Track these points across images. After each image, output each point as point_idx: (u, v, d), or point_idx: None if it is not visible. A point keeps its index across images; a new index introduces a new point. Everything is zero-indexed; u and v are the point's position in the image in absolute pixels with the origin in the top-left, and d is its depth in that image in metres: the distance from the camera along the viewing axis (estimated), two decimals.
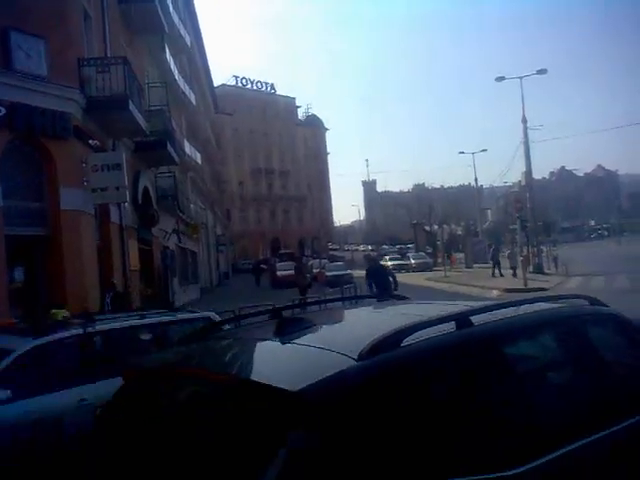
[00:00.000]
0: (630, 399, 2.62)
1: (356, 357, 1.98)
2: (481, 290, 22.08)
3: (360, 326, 2.92)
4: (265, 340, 2.58)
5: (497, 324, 2.49)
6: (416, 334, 2.14)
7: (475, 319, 2.39)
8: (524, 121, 30.05)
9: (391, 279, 13.63)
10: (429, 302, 3.81)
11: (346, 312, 3.61)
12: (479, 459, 2.00)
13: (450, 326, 2.28)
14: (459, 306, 2.91)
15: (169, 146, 18.34)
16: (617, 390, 2.64)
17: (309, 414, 1.79)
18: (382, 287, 13.00)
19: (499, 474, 1.97)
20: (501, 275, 28.31)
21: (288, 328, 2.47)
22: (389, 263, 46.27)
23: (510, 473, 1.99)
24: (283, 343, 2.37)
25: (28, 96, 10.63)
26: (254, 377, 2.01)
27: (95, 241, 12.75)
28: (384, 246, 73.97)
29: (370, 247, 79.27)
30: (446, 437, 1.97)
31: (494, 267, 29.21)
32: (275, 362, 2.31)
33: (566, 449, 2.18)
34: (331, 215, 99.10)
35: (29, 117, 10.63)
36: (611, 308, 3.18)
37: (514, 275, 26.10)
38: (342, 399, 1.85)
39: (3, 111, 10.13)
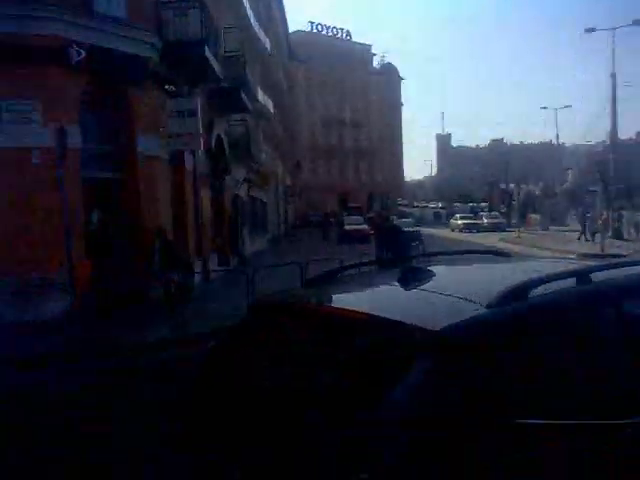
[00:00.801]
0: None
1: (485, 305, 2.13)
2: (552, 253, 20.77)
3: (482, 278, 3.05)
4: (391, 285, 2.74)
5: (615, 282, 2.57)
6: (540, 287, 2.26)
7: (594, 276, 2.48)
8: (613, 76, 28.11)
9: (416, 243, 11.97)
10: (546, 259, 4.04)
11: (463, 266, 3.67)
12: (592, 408, 2.10)
13: (571, 282, 2.40)
14: (578, 264, 3.15)
15: (243, 94, 18.19)
16: None
17: (446, 353, 1.94)
18: (396, 252, 11.70)
19: (614, 422, 2.08)
20: (587, 240, 26.77)
21: (412, 276, 2.65)
22: (459, 222, 45.24)
23: (622, 422, 2.09)
24: (408, 289, 2.59)
25: (107, 39, 10.66)
26: (391, 317, 2.12)
27: (169, 187, 12.91)
28: (456, 204, 71.86)
29: (440, 204, 77.47)
30: (564, 383, 2.11)
31: (583, 231, 27.90)
32: (407, 305, 2.47)
33: None
34: (402, 170, 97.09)
35: (108, 60, 10.66)
36: None
37: (592, 239, 24.83)
38: (475, 341, 2.01)
39: (83, 54, 10.18)
